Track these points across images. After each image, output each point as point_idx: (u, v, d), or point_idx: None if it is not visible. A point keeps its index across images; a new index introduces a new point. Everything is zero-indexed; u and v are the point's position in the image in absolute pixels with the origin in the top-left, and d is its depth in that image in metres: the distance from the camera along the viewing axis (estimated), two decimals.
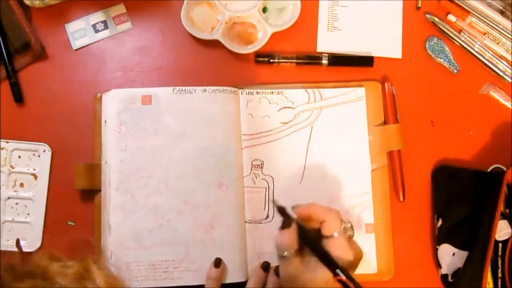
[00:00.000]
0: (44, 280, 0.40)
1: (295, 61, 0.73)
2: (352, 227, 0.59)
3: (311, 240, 0.59)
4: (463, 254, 0.67)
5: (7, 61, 0.70)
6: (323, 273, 0.56)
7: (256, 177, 0.70)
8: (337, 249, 0.57)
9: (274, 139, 0.71)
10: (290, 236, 0.59)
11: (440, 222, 0.70)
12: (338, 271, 0.55)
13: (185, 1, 0.72)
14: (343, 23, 0.75)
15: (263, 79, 0.73)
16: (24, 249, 0.67)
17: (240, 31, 0.73)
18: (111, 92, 0.68)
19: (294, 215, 0.61)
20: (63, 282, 0.40)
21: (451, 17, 0.75)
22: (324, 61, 0.73)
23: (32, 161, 0.70)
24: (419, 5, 0.75)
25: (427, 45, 0.74)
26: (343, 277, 0.54)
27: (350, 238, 0.58)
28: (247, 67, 0.73)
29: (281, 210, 0.61)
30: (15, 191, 0.70)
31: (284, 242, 0.59)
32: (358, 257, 0.58)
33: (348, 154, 0.71)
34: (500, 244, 0.65)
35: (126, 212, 0.66)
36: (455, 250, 0.68)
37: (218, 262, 0.65)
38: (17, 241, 0.67)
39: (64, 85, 0.72)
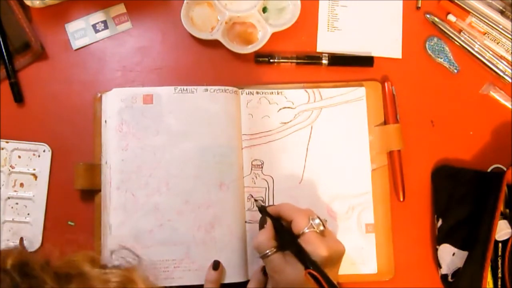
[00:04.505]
0: (84, 286, 0.38)
1: (295, 61, 0.73)
2: (322, 222, 0.60)
3: (285, 235, 0.61)
4: (463, 254, 0.67)
5: (7, 61, 0.70)
6: (301, 268, 0.57)
7: (256, 177, 0.70)
8: (308, 244, 0.58)
9: (274, 139, 0.71)
10: (267, 235, 0.61)
11: (440, 222, 0.70)
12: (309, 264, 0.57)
13: (185, 1, 0.72)
14: (343, 23, 0.75)
15: (263, 79, 0.73)
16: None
17: (240, 31, 0.73)
18: (112, 91, 0.68)
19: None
20: None
21: (451, 17, 0.75)
22: (324, 61, 0.73)
23: (32, 161, 0.70)
24: (419, 5, 0.75)
25: (427, 45, 0.75)
26: (311, 270, 0.56)
27: (322, 233, 0.60)
28: (247, 67, 0.73)
29: (261, 209, 0.64)
30: (15, 191, 0.70)
31: (261, 243, 0.61)
32: (335, 251, 0.59)
33: (348, 154, 0.71)
34: (500, 244, 0.65)
35: (127, 212, 0.66)
36: (455, 250, 0.68)
37: (216, 265, 0.65)
38: (21, 240, 0.67)
39: (64, 85, 0.72)
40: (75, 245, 0.44)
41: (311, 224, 0.59)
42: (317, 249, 0.58)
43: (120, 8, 0.74)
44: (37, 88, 0.72)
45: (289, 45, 0.74)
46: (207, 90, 0.69)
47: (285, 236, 0.61)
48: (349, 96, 0.72)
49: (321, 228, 0.60)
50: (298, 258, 0.58)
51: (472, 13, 0.75)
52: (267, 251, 0.60)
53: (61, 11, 0.73)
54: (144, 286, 0.41)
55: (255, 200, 0.68)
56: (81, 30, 0.73)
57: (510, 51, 0.74)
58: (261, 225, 0.63)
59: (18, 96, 0.71)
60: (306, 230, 0.59)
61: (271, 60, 0.73)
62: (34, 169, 0.70)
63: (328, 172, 0.71)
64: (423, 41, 0.75)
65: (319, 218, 0.60)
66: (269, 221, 0.62)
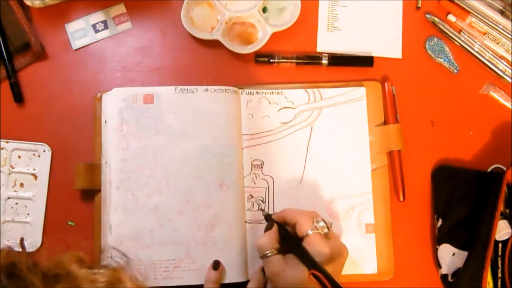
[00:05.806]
0: (72, 286, 0.38)
1: (295, 61, 0.73)
2: (325, 224, 0.60)
3: (289, 239, 0.62)
4: (463, 254, 0.67)
5: (7, 61, 0.70)
6: (303, 269, 0.58)
7: (256, 177, 0.70)
8: (312, 245, 0.59)
9: (274, 139, 0.71)
10: (270, 237, 0.61)
11: (440, 222, 0.70)
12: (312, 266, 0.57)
13: (185, 1, 0.72)
14: (343, 23, 0.75)
15: (263, 79, 0.73)
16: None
17: (240, 31, 0.73)
18: (112, 91, 0.68)
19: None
20: None
21: (451, 17, 0.75)
22: (324, 61, 0.73)
23: (32, 161, 0.70)
24: (419, 5, 0.75)
25: (427, 45, 0.75)
26: (315, 271, 0.56)
27: (326, 235, 0.60)
28: (247, 67, 0.73)
29: (267, 217, 0.65)
30: (15, 191, 0.70)
31: (264, 243, 0.61)
32: (338, 252, 0.60)
33: (348, 154, 0.71)
34: (500, 244, 0.65)
35: (127, 211, 0.66)
36: (455, 250, 0.68)
37: (216, 265, 0.65)
38: (21, 240, 0.67)
39: (64, 85, 0.72)
40: (72, 246, 0.43)
41: (315, 226, 0.60)
42: (319, 249, 0.58)
43: (120, 8, 0.74)
44: (37, 88, 0.72)
45: (289, 45, 0.74)
46: (207, 90, 0.69)
47: (290, 240, 0.62)
48: (349, 96, 0.72)
49: (326, 230, 0.60)
50: (301, 260, 0.58)
51: (472, 13, 0.75)
52: (268, 252, 0.60)
53: (61, 11, 0.73)
54: (132, 286, 0.41)
55: (262, 210, 0.69)
56: (81, 30, 0.73)
57: (510, 51, 0.74)
58: (267, 230, 0.63)
59: (18, 96, 0.71)
60: (310, 232, 0.59)
61: (271, 60, 0.73)
62: (34, 169, 0.70)
63: (328, 172, 0.71)
64: (423, 41, 0.75)
65: (323, 220, 0.60)
66: (274, 225, 0.63)
